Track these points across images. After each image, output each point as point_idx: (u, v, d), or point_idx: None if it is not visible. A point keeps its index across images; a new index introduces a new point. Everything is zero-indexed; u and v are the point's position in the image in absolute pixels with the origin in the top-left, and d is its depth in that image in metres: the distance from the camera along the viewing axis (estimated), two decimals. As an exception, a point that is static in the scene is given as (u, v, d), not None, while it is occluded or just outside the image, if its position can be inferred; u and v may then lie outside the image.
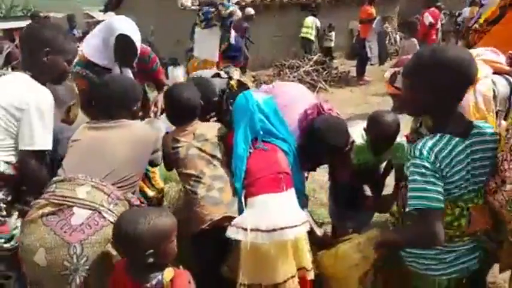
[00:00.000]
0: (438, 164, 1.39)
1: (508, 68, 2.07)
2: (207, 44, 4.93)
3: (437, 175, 1.38)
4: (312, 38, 11.00)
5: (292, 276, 1.94)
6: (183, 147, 2.16)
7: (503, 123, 1.97)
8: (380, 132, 2.33)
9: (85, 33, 8.63)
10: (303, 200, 2.26)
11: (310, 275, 2.00)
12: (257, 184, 2.02)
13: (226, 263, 2.09)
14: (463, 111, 1.89)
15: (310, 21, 10.95)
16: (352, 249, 1.92)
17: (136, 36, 2.63)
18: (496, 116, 1.97)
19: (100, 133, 1.90)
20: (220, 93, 2.65)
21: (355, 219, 2.62)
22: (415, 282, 1.69)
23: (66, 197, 1.64)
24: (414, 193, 1.39)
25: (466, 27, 3.51)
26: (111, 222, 1.64)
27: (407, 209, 1.42)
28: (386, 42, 11.11)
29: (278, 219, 1.92)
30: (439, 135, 1.43)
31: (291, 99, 2.36)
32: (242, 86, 2.67)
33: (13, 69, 6.00)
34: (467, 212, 1.54)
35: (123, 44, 2.59)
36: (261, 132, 2.16)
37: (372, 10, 8.68)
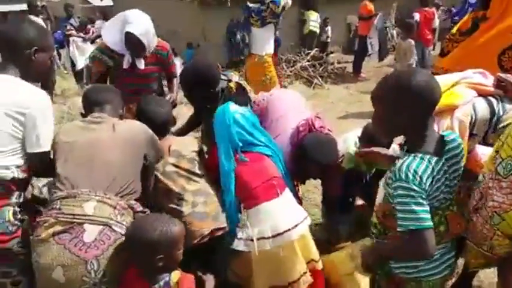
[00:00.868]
0: (423, 186, 1.45)
1: (493, 89, 2.09)
2: (265, 40, 5.15)
3: (423, 196, 1.45)
4: (318, 32, 11.06)
5: (305, 272, 2.06)
6: (159, 164, 2.14)
7: (479, 147, 2.03)
8: (373, 144, 2.38)
9: (82, 23, 8.57)
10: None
11: (319, 266, 2.13)
12: (253, 195, 2.09)
13: (230, 268, 2.17)
14: None
15: (316, 15, 10.98)
16: (348, 258, 2.00)
17: (144, 33, 2.92)
18: (470, 137, 2.00)
19: (92, 135, 1.87)
20: (219, 91, 2.67)
21: (347, 224, 2.70)
22: None
23: (75, 214, 1.65)
24: (405, 215, 1.43)
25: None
26: (122, 235, 1.68)
27: (399, 229, 1.47)
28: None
29: (280, 223, 2.03)
30: (419, 156, 1.47)
31: (286, 109, 2.43)
32: (241, 89, 2.71)
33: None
34: (444, 219, 1.62)
35: (129, 40, 2.90)
36: (240, 144, 2.20)
37: (371, 6, 8.69)
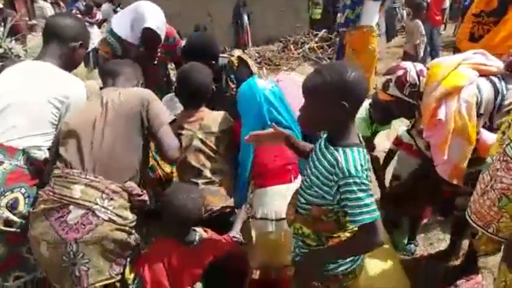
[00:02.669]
0: (369, 177, 1.45)
1: (495, 69, 2.08)
2: (374, 13, 5.51)
3: (370, 186, 1.43)
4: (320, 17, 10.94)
5: None
6: (187, 137, 2.17)
7: (483, 132, 2.03)
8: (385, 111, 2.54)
9: (88, 7, 8.53)
10: None
11: None
12: (266, 176, 2.12)
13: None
14: (446, 118, 1.98)
15: None
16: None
17: (161, 27, 2.88)
18: (477, 117, 2.01)
19: (87, 115, 1.85)
20: (222, 67, 2.71)
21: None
22: None
23: (63, 195, 1.68)
24: (360, 209, 1.40)
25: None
26: (105, 220, 1.69)
27: (354, 225, 1.47)
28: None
29: (285, 208, 2.03)
30: (355, 149, 1.45)
31: (294, 98, 2.41)
32: (242, 63, 2.71)
33: (16, 41, 5.99)
34: None
35: (148, 36, 2.83)
36: (269, 123, 2.17)
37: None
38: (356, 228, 1.50)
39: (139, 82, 2.19)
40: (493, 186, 1.62)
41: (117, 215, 1.72)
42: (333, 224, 1.56)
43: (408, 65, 2.21)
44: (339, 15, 5.90)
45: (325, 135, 1.58)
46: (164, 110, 1.99)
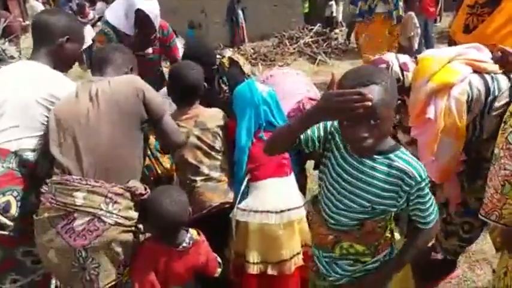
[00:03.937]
0: None
1: (491, 67, 2.00)
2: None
3: None
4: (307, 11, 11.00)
5: (298, 253, 2.10)
6: (183, 134, 2.14)
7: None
8: None
9: (80, 5, 8.49)
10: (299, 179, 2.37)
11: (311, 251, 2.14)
12: (263, 169, 2.13)
13: (229, 246, 2.21)
14: (435, 116, 1.91)
15: None
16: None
17: (154, 11, 2.87)
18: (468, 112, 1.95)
19: (79, 112, 1.76)
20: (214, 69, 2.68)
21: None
22: None
23: (66, 203, 1.65)
24: (432, 208, 1.47)
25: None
26: (112, 225, 1.67)
27: (427, 226, 1.48)
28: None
29: (285, 201, 2.09)
30: (403, 149, 1.44)
31: (286, 93, 2.45)
32: (233, 64, 2.70)
33: (10, 42, 5.96)
34: None
35: (141, 19, 2.83)
36: (264, 124, 2.23)
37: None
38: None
39: (131, 69, 2.06)
40: (496, 173, 1.63)
41: (123, 217, 1.70)
42: (382, 231, 1.54)
43: (391, 58, 2.12)
44: (352, 7, 6.22)
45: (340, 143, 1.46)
46: (160, 97, 1.98)
